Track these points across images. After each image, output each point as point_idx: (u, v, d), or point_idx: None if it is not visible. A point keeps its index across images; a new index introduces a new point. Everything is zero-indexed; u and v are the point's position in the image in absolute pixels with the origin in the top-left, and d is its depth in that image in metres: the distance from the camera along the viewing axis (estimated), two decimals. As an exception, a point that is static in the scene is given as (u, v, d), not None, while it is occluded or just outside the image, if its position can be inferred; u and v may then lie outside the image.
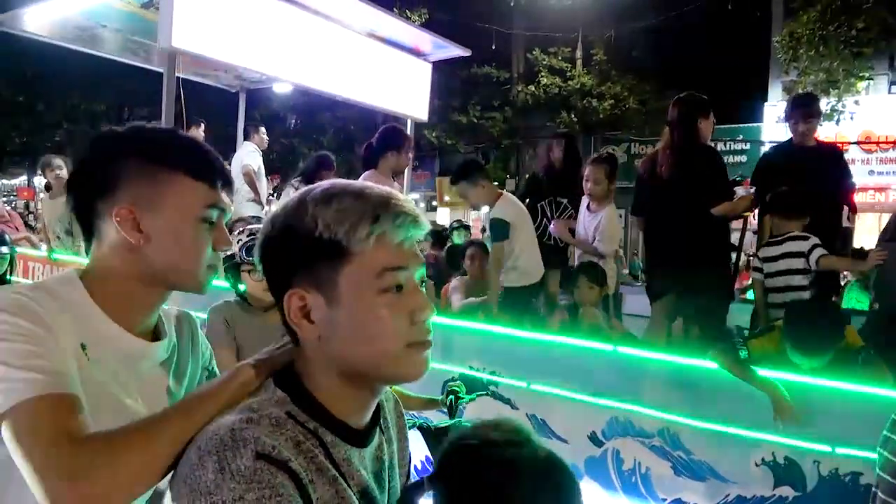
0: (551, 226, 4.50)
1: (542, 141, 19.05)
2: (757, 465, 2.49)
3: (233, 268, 2.49)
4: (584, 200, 4.40)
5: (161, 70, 5.60)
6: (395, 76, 5.18)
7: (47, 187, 6.20)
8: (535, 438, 0.93)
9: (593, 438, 2.86)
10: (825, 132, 14.03)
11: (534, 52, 17.53)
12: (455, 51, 5.29)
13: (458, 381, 2.58)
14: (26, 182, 19.26)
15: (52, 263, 5.06)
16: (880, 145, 15.12)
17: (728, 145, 16.80)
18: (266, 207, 6.15)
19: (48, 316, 0.96)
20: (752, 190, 3.70)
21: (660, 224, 3.78)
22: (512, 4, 17.55)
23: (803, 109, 3.94)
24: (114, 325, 1.06)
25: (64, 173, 5.74)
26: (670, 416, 2.67)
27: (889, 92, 15.98)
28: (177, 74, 5.38)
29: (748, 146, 16.77)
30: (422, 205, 19.28)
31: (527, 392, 3.01)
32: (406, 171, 4.89)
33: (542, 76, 17.49)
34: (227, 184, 1.15)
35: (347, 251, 0.84)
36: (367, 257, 0.84)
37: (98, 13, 4.41)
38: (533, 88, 17.47)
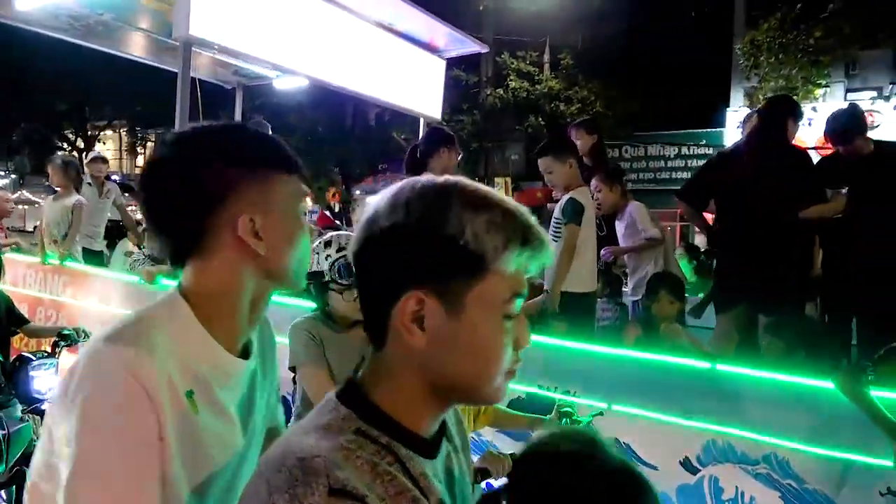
0: (602, 252, 4.25)
1: (511, 144, 19.12)
2: (882, 494, 2.29)
3: (319, 286, 2.21)
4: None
5: (158, 64, 5.28)
6: (409, 73, 4.93)
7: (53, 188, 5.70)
8: (611, 449, 0.89)
9: (686, 464, 2.63)
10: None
11: (502, 56, 17.50)
12: (473, 46, 5.08)
13: (569, 403, 2.34)
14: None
15: (44, 267, 4.73)
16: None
17: (691, 149, 17.05)
18: None
19: (156, 380, 0.91)
20: (845, 191, 3.54)
21: (740, 227, 3.52)
22: (481, 9, 17.48)
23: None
24: (219, 349, 1.02)
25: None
26: (778, 441, 2.46)
27: (845, 99, 16.40)
28: (168, 68, 5.04)
29: (711, 150, 17.03)
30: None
31: (608, 413, 2.77)
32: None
33: (510, 80, 17.51)
34: None
35: (487, 268, 0.79)
36: (503, 279, 0.80)
37: (95, 0, 3.98)
38: (501, 92, 17.44)
